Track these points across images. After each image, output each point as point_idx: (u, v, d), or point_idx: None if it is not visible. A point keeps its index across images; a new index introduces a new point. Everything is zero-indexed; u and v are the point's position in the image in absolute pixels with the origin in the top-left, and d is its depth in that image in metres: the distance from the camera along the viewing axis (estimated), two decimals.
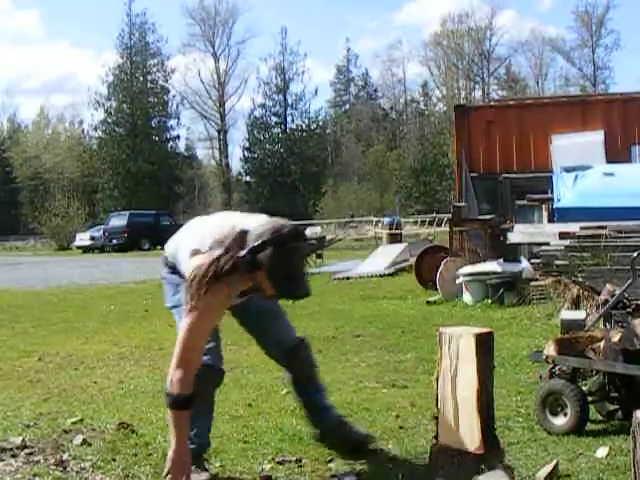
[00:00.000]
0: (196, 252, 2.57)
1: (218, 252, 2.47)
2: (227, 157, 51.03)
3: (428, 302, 8.21)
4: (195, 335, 2.55)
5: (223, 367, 2.86)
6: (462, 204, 10.88)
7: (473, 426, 2.43)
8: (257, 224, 2.52)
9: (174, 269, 2.80)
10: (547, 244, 8.06)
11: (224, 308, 2.64)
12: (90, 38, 78.94)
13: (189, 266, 2.54)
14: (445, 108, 47.35)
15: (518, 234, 8.62)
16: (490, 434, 2.46)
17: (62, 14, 74.16)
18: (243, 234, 2.49)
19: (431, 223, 28.44)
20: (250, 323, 2.97)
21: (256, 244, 2.42)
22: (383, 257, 13.20)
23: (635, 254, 3.95)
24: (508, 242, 8.64)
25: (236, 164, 51.22)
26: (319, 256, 15.82)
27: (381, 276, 11.72)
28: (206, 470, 2.80)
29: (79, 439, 3.24)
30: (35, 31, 74.81)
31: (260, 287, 2.51)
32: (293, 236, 2.46)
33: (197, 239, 2.66)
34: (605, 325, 4.49)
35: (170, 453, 2.57)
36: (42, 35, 75.01)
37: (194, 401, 2.58)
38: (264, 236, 2.42)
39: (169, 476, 2.57)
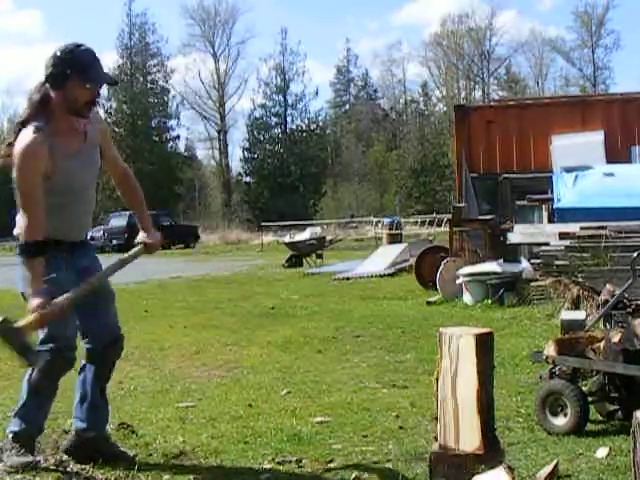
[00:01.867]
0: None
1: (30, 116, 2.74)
2: (227, 157, 51.04)
3: (428, 302, 8.21)
4: (24, 181, 2.72)
5: (74, 354, 2.86)
6: (462, 204, 10.89)
7: (473, 426, 2.44)
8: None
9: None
10: (547, 244, 8.06)
11: (44, 154, 2.70)
12: (91, 38, 78.84)
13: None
14: (445, 108, 47.38)
15: (518, 234, 8.62)
16: (490, 434, 2.47)
17: (63, 14, 74.21)
18: (39, 83, 2.78)
19: (431, 223, 28.43)
20: (90, 297, 2.88)
21: (49, 59, 2.73)
22: (383, 257, 13.21)
23: (635, 254, 3.95)
24: (508, 242, 8.64)
25: (236, 164, 51.22)
26: (319, 256, 15.84)
27: (381, 276, 11.72)
28: (31, 454, 2.87)
29: None
30: (36, 31, 74.90)
31: (76, 99, 2.72)
32: (73, 43, 2.77)
33: None
34: (605, 325, 4.49)
35: (30, 300, 2.69)
36: (43, 35, 75.11)
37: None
38: (51, 58, 2.74)
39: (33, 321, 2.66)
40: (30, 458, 2.84)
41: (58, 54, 2.73)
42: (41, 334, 2.81)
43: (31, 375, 2.88)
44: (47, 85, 2.76)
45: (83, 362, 3.00)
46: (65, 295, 2.73)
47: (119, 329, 3.04)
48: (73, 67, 2.71)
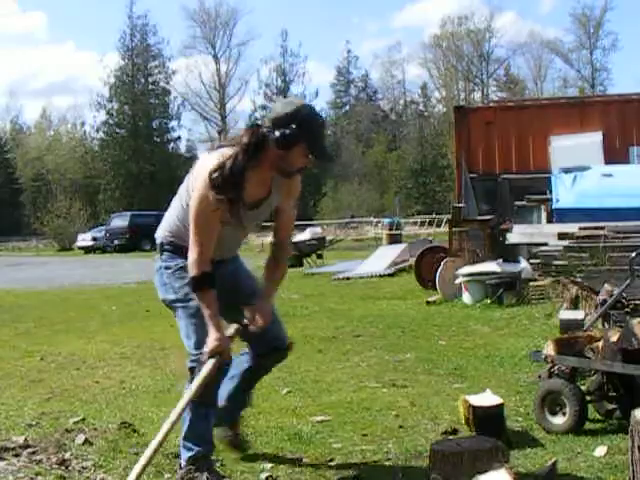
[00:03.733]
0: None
1: (235, 148, 2.56)
2: None
3: (428, 302, 8.23)
4: (201, 218, 2.56)
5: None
6: (461, 205, 10.90)
7: None
8: (270, 113, 2.62)
9: (171, 251, 2.77)
10: (546, 244, 8.08)
11: (237, 205, 2.60)
12: (94, 40, 79.21)
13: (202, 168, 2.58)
14: (444, 109, 47.36)
15: (517, 234, 8.64)
16: None
17: (67, 16, 74.36)
18: (256, 126, 2.61)
19: (431, 224, 28.46)
20: (239, 299, 2.80)
21: (286, 115, 2.53)
22: (383, 257, 13.22)
23: (633, 254, 3.96)
24: (507, 242, 8.66)
25: None
26: (319, 256, 15.85)
27: (381, 276, 11.73)
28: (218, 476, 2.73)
29: (81, 438, 3.25)
30: (41, 33, 75.04)
31: (293, 164, 2.60)
32: (312, 108, 2.63)
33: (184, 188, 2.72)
34: (604, 325, 4.52)
35: (210, 338, 2.56)
36: (47, 37, 75.22)
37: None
38: (288, 115, 2.54)
39: (210, 360, 2.56)
40: None
41: (297, 117, 2.54)
42: (192, 340, 2.68)
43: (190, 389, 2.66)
44: (266, 133, 2.57)
45: (246, 349, 2.96)
46: (234, 326, 2.70)
47: (284, 340, 2.92)
48: (307, 136, 2.55)
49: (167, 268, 2.78)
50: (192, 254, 2.59)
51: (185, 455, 2.71)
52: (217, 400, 2.77)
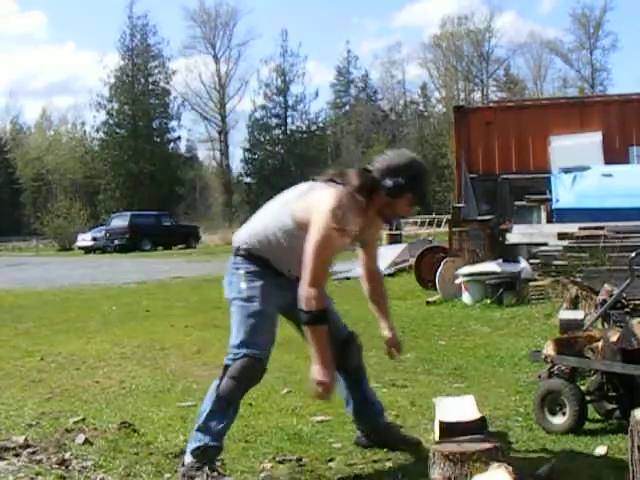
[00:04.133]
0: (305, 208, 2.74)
1: (348, 187, 2.71)
2: (228, 158, 51.07)
3: (428, 302, 8.24)
4: (325, 254, 2.66)
5: (264, 365, 2.79)
6: (461, 205, 10.90)
7: None
8: (378, 162, 2.80)
9: (245, 257, 2.84)
10: (546, 244, 8.09)
11: (347, 239, 2.73)
12: (94, 40, 79.19)
13: (317, 203, 2.68)
14: (444, 109, 47.36)
15: (517, 234, 8.64)
16: None
17: (68, 16, 74.36)
18: (364, 170, 2.82)
19: (431, 224, 28.45)
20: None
21: (399, 166, 2.73)
22: (383, 257, 13.16)
23: (633, 254, 3.97)
24: (507, 242, 8.66)
25: (237, 165, 51.28)
26: None
27: None
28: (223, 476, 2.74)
29: (81, 438, 3.26)
30: (41, 33, 75.05)
31: (396, 212, 2.82)
32: (422, 162, 2.84)
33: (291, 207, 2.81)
34: (603, 325, 4.52)
35: (315, 374, 2.65)
36: (47, 37, 75.22)
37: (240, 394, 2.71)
38: (401, 166, 2.74)
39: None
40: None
41: (409, 170, 2.73)
42: (239, 339, 2.75)
43: (219, 385, 2.74)
44: (377, 178, 2.75)
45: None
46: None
47: (346, 328, 3.10)
48: (415, 190, 2.75)
49: (237, 269, 2.87)
50: (312, 288, 2.64)
51: (193, 445, 2.73)
52: (239, 403, 2.81)
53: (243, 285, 2.82)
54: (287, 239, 2.79)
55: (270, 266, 2.84)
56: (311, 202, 2.73)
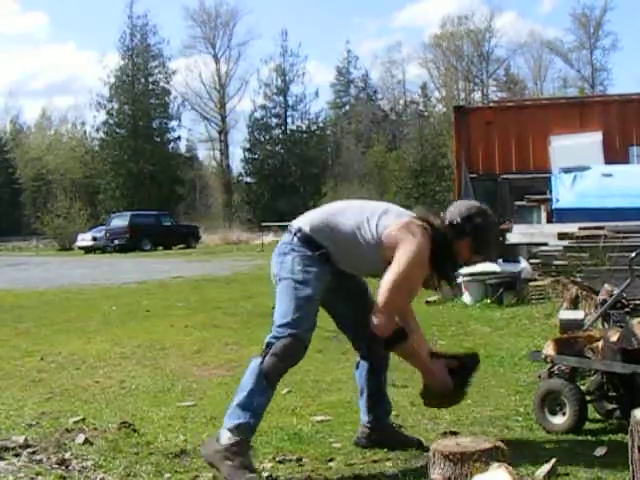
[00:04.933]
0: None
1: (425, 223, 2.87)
2: (228, 158, 51.08)
3: (428, 302, 8.23)
4: (404, 287, 2.82)
5: (305, 346, 2.87)
6: None
7: None
8: (453, 208, 2.98)
9: (303, 240, 2.89)
10: (546, 244, 8.10)
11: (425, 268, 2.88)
12: (95, 40, 79.18)
13: (395, 228, 2.85)
14: (444, 109, 47.33)
15: (517, 234, 8.65)
16: None
17: (68, 16, 74.35)
18: (437, 212, 3.01)
19: None
20: (339, 300, 3.08)
21: (468, 216, 2.90)
22: None
23: (633, 254, 3.96)
24: (507, 242, 8.66)
25: (237, 165, 51.27)
26: None
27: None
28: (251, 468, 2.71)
29: (81, 438, 3.25)
30: (41, 33, 75.07)
31: (455, 257, 2.94)
32: (489, 214, 2.97)
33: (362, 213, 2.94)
34: (603, 325, 4.52)
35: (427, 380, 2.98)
36: (48, 37, 75.24)
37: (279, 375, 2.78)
38: (472, 213, 2.91)
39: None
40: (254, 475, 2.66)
41: (475, 219, 2.90)
42: (286, 318, 2.81)
43: (262, 362, 2.76)
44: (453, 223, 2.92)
45: (357, 359, 3.22)
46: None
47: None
48: (475, 238, 2.91)
49: (293, 250, 2.91)
50: (383, 316, 2.81)
51: (233, 422, 2.72)
52: (277, 382, 2.85)
53: (298, 267, 2.86)
54: (359, 246, 2.88)
55: (328, 257, 2.89)
56: (401, 231, 2.83)
